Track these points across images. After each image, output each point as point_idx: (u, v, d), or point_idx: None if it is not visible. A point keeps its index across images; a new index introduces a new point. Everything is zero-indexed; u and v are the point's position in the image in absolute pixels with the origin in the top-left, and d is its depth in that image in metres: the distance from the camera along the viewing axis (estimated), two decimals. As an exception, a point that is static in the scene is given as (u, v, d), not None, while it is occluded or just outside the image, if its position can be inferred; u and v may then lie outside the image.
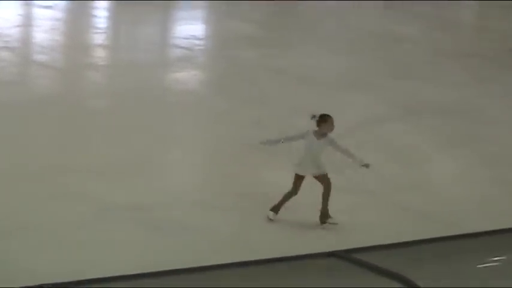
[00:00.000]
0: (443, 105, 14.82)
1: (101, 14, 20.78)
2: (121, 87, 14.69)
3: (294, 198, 9.71)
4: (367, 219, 10.03)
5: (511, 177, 11.93)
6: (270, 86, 15.25)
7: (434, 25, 21.50)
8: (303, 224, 9.81)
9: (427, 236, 5.80)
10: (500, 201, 11.02)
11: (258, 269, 5.02)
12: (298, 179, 9.62)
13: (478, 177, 11.93)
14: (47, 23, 18.47)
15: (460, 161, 12.55)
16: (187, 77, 15.93)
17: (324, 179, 9.58)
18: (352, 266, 4.90)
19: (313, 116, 9.56)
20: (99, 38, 18.32)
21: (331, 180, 9.60)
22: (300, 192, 9.66)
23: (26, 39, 18.00)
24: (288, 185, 9.78)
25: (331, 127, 9.55)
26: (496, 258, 5.26)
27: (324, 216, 9.72)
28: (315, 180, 9.64)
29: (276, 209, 9.77)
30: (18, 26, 18.21)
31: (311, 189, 9.66)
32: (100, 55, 17.21)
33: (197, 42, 18.28)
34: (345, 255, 5.02)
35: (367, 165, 9.64)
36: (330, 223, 9.71)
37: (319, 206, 9.71)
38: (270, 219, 9.76)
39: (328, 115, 9.56)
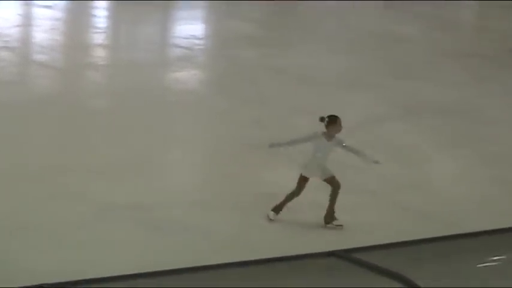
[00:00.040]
0: (444, 105, 14.82)
1: (100, 13, 20.77)
2: (121, 86, 14.69)
3: (295, 198, 9.71)
4: (367, 219, 10.03)
5: (511, 177, 11.92)
6: (270, 85, 15.24)
7: (434, 25, 21.48)
8: (303, 224, 9.82)
9: (427, 235, 5.80)
10: (500, 201, 11.03)
11: (258, 269, 5.03)
12: (304, 180, 9.61)
13: (478, 176, 11.93)
14: (47, 23, 18.46)
15: (460, 161, 12.55)
16: (187, 76, 15.92)
17: (333, 181, 9.59)
18: (352, 265, 4.90)
19: (322, 118, 9.54)
20: (99, 38, 18.31)
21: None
22: (301, 192, 9.67)
23: (25, 39, 17.99)
24: (288, 185, 9.79)
25: (339, 128, 9.56)
26: (496, 258, 5.27)
27: (329, 216, 9.72)
28: (317, 180, 9.64)
29: (277, 209, 9.77)
30: (17, 25, 18.19)
31: (312, 189, 9.66)
32: (100, 55, 17.20)
33: (197, 41, 18.27)
34: (345, 255, 5.02)
35: (377, 162, 9.68)
36: (334, 224, 9.72)
37: (319, 206, 9.72)
38: (270, 219, 9.76)
39: (336, 116, 9.56)
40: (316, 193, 9.75)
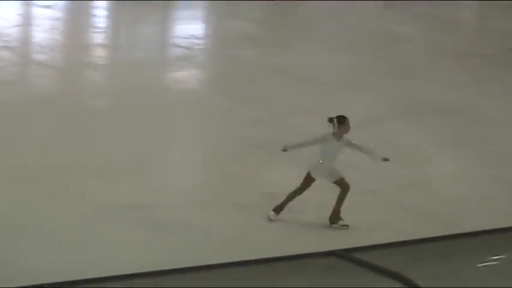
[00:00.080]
0: (444, 104, 14.81)
1: (100, 13, 20.76)
2: (121, 86, 14.69)
3: (297, 197, 9.71)
4: (367, 218, 10.02)
5: (511, 177, 11.92)
6: (270, 85, 15.24)
7: (434, 25, 21.48)
8: (303, 224, 9.81)
9: (427, 235, 5.80)
10: (500, 201, 11.02)
11: (258, 268, 5.03)
12: (310, 180, 9.60)
13: (478, 176, 11.92)
14: (47, 23, 18.45)
15: (460, 161, 12.55)
16: (187, 76, 15.92)
17: (342, 183, 9.59)
18: (352, 265, 4.90)
19: (331, 119, 9.54)
20: (98, 38, 18.31)
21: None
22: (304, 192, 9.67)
23: (25, 39, 17.99)
24: (288, 185, 9.79)
25: (348, 128, 9.57)
26: (495, 257, 5.27)
27: (335, 216, 9.71)
28: (320, 181, 9.65)
29: (278, 209, 9.75)
30: (17, 25, 18.19)
31: (312, 189, 9.65)
32: (100, 54, 17.20)
33: (197, 41, 18.27)
34: (345, 255, 5.02)
35: (387, 159, 9.71)
36: (340, 225, 9.72)
37: (320, 205, 9.71)
38: (271, 219, 9.75)
39: (344, 116, 9.56)
40: (317, 193, 9.73)
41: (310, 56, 17.40)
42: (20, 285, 5.05)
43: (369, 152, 9.72)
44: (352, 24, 21.07)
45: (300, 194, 9.66)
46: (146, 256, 8.62)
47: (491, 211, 10.51)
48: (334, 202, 9.69)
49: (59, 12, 19.97)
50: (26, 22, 18.81)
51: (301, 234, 9.56)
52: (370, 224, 9.87)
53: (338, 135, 9.54)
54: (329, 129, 9.55)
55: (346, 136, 9.59)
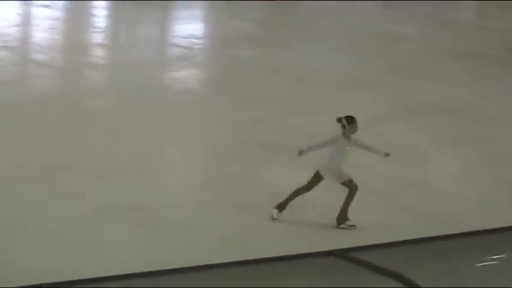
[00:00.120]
0: (443, 104, 14.81)
1: (100, 13, 20.77)
2: (120, 86, 14.69)
3: (297, 198, 9.70)
4: (367, 218, 10.01)
5: (511, 177, 11.91)
6: (270, 85, 15.23)
7: (434, 25, 21.49)
8: (303, 224, 9.80)
9: (427, 235, 5.79)
10: (500, 200, 11.02)
11: (258, 268, 5.02)
12: (319, 179, 9.58)
13: (478, 176, 11.92)
14: (46, 22, 18.46)
15: (460, 160, 12.54)
16: (186, 76, 15.92)
17: (350, 184, 9.59)
18: (352, 265, 4.89)
19: (339, 119, 9.53)
20: (98, 37, 18.31)
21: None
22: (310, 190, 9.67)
23: (24, 39, 17.99)
24: (288, 185, 9.78)
25: (356, 128, 9.58)
26: (495, 257, 5.26)
27: (342, 217, 9.70)
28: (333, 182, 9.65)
29: (281, 206, 9.72)
30: (17, 25, 18.20)
31: (314, 188, 9.65)
32: (99, 54, 17.20)
33: (196, 41, 18.27)
34: (344, 254, 5.01)
35: (388, 154, 9.77)
36: (347, 225, 9.71)
37: (320, 205, 9.70)
38: (274, 218, 9.73)
39: (353, 116, 9.57)
40: (317, 193, 9.72)
41: (310, 56, 17.40)
42: (19, 285, 5.04)
43: (372, 149, 9.75)
44: (352, 24, 21.08)
45: (306, 192, 9.64)
46: (146, 256, 8.61)
47: (491, 211, 10.51)
48: (334, 202, 9.68)
49: (59, 12, 19.97)
50: (25, 22, 18.82)
51: (301, 234, 9.55)
52: (370, 224, 9.86)
53: (348, 136, 9.55)
54: (335, 129, 9.55)
55: (354, 136, 9.61)
